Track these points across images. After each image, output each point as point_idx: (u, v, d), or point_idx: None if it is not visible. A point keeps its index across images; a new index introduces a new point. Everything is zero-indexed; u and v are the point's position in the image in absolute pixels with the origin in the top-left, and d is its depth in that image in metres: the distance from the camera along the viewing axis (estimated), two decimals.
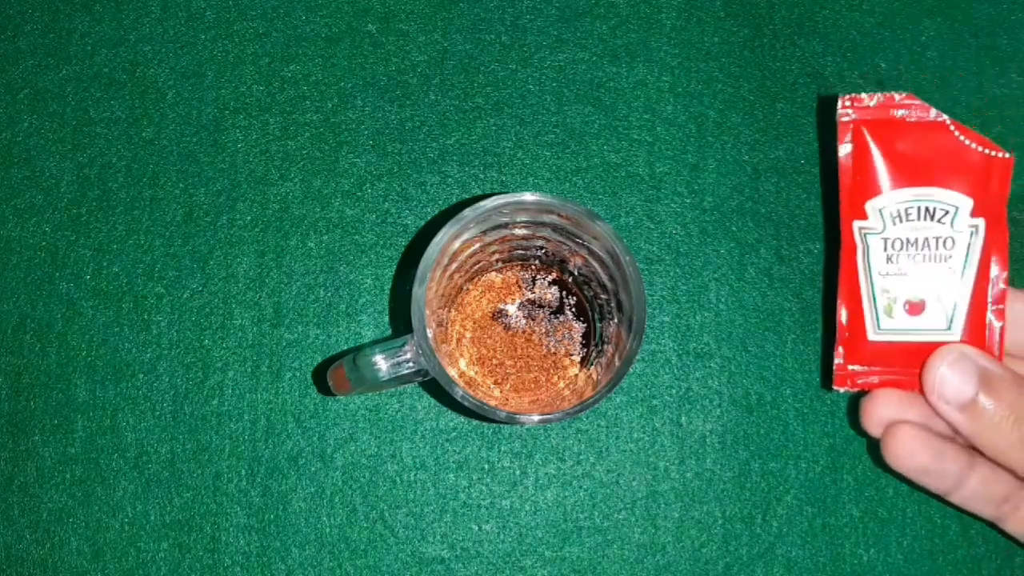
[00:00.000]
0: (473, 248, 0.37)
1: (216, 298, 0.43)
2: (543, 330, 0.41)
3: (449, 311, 0.41)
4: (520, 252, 0.40)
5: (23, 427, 0.42)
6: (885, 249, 0.34)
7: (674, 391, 0.42)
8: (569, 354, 0.41)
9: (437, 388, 0.40)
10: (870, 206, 0.34)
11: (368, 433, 0.42)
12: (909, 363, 0.35)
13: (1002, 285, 0.34)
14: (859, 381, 0.36)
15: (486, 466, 0.42)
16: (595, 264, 0.37)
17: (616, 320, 0.37)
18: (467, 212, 0.34)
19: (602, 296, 0.39)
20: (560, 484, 0.42)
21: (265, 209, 0.43)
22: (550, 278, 0.41)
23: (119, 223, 0.43)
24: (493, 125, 0.44)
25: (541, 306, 0.41)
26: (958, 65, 0.45)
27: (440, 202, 0.44)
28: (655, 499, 0.41)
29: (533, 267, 0.41)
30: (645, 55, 0.45)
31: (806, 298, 0.43)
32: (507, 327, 0.41)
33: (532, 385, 0.40)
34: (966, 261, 0.34)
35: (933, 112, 0.34)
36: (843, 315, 0.36)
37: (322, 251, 0.43)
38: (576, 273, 0.40)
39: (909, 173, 0.34)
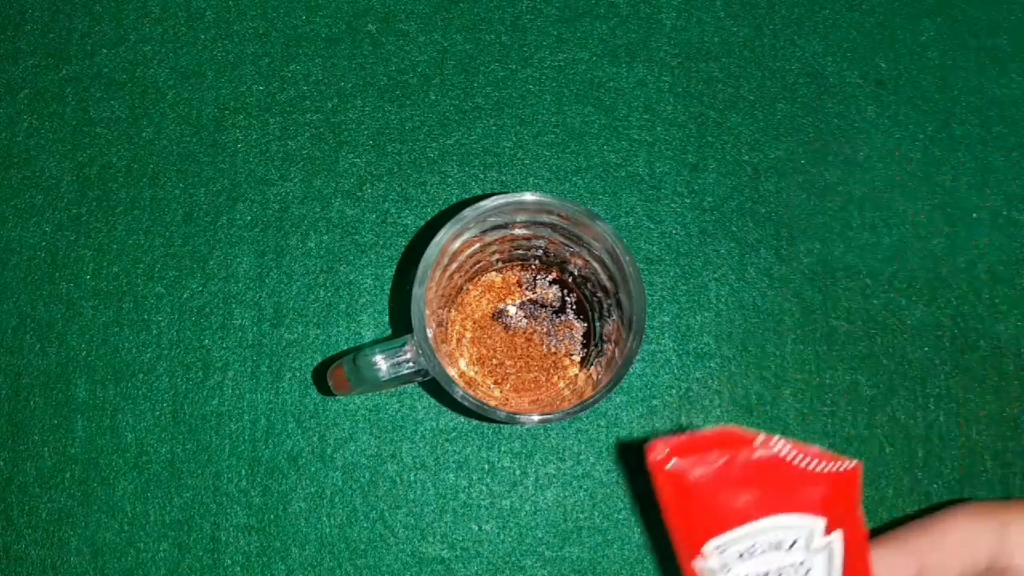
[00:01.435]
0: (473, 248, 0.37)
1: (216, 298, 0.43)
2: (544, 330, 0.41)
3: (449, 311, 0.41)
4: (520, 252, 0.40)
5: (23, 427, 0.42)
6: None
7: (674, 391, 0.42)
8: (569, 354, 0.40)
9: (437, 388, 0.40)
10: (709, 547, 0.29)
11: (368, 433, 0.42)
12: None
13: None
14: None
15: (486, 466, 0.42)
16: (595, 264, 0.37)
17: (616, 320, 0.37)
18: (467, 212, 0.34)
19: (602, 296, 0.39)
20: (560, 484, 0.42)
21: (265, 209, 0.43)
22: (550, 278, 0.41)
23: (119, 223, 0.43)
24: (493, 125, 0.44)
25: (542, 306, 0.41)
26: (958, 65, 0.45)
27: (440, 202, 0.44)
28: (655, 499, 0.41)
29: (533, 267, 0.41)
30: (645, 55, 0.45)
31: (806, 298, 0.43)
32: (507, 327, 0.41)
33: (532, 385, 0.40)
34: None
35: (762, 444, 0.29)
36: None
37: (322, 251, 0.43)
38: (576, 273, 0.40)
39: (747, 507, 0.29)
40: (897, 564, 0.31)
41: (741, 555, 0.29)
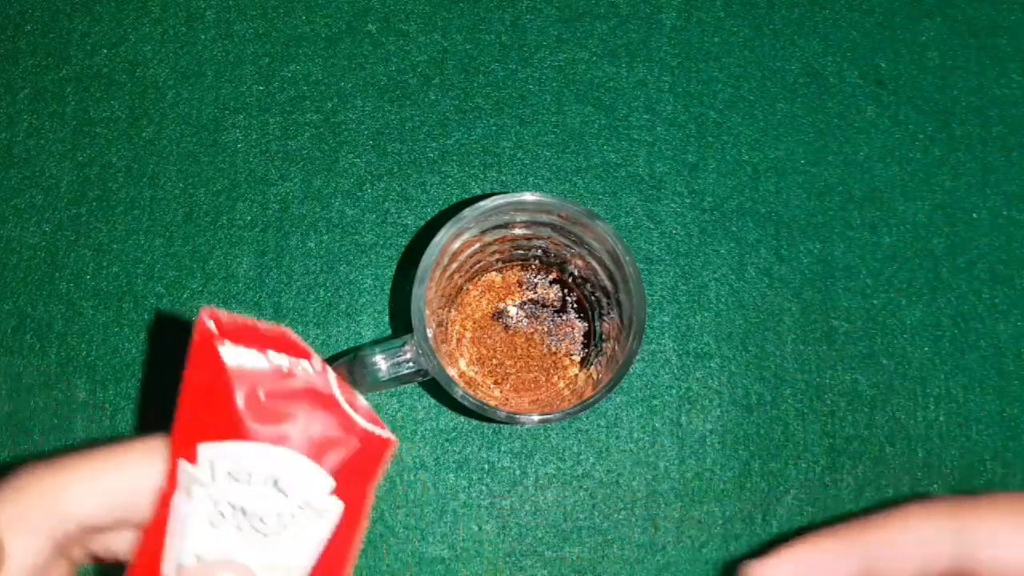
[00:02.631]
0: (473, 248, 0.37)
1: (216, 298, 0.43)
2: (544, 329, 0.41)
3: (449, 311, 0.41)
4: (520, 252, 0.40)
5: (23, 427, 0.42)
6: (211, 509, 0.24)
7: (674, 391, 0.42)
8: (569, 354, 0.41)
9: (437, 388, 0.40)
10: (204, 450, 0.24)
11: None
12: None
13: None
14: None
15: (486, 466, 0.42)
16: (595, 264, 0.37)
17: (616, 320, 0.37)
18: (467, 212, 0.34)
19: (602, 296, 0.39)
20: (560, 484, 0.42)
21: (265, 209, 0.43)
22: (550, 278, 0.41)
23: (119, 223, 0.43)
24: (493, 125, 0.44)
25: (544, 305, 0.41)
26: (958, 65, 0.45)
27: (440, 202, 0.44)
28: (655, 499, 0.41)
29: (533, 267, 0.41)
30: (645, 55, 0.45)
31: (806, 298, 0.43)
32: (507, 327, 0.41)
33: (532, 385, 0.40)
34: (301, 552, 0.25)
35: (320, 368, 0.25)
36: None
37: (322, 251, 0.43)
38: (576, 273, 0.40)
39: (266, 426, 0.24)
40: (842, 559, 0.30)
41: (232, 475, 0.24)
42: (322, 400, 0.25)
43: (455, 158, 0.44)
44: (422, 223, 0.43)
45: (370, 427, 0.25)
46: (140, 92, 0.44)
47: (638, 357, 0.38)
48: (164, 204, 0.43)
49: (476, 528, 0.41)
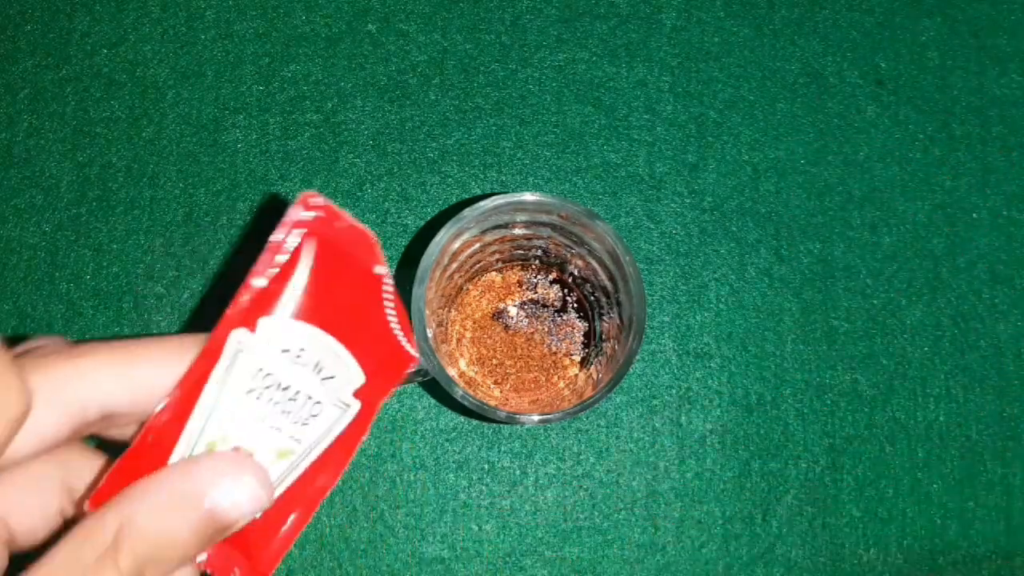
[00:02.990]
0: (473, 248, 0.37)
1: (216, 298, 0.43)
2: (544, 329, 0.41)
3: (449, 311, 0.41)
4: (520, 252, 0.40)
5: None
6: (253, 378, 0.25)
7: (674, 391, 0.42)
8: (569, 354, 0.40)
9: (437, 388, 0.40)
10: (265, 323, 0.25)
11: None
12: None
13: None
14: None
15: (486, 466, 0.42)
16: (595, 264, 0.37)
17: (616, 320, 0.37)
18: (467, 212, 0.34)
19: (602, 296, 0.39)
20: (560, 484, 0.42)
21: (265, 209, 0.43)
22: (550, 278, 0.41)
23: (119, 223, 0.43)
24: (493, 125, 0.44)
25: (544, 305, 0.41)
26: (958, 65, 0.45)
27: (440, 202, 0.44)
28: (655, 499, 0.41)
29: (533, 267, 0.41)
30: (645, 55, 0.45)
31: (806, 298, 0.43)
32: (507, 327, 0.41)
33: (532, 385, 0.40)
34: (315, 443, 0.25)
35: (388, 277, 0.26)
36: (158, 421, 0.24)
37: None
38: (576, 273, 0.40)
39: (323, 311, 0.25)
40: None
41: (286, 351, 0.25)
42: (376, 306, 0.26)
43: (455, 158, 0.44)
44: (422, 223, 0.43)
45: (404, 342, 0.26)
46: (140, 92, 0.44)
47: (638, 357, 0.38)
48: (164, 204, 0.43)
49: (476, 528, 0.41)
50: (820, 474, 0.42)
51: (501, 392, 0.40)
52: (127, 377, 0.24)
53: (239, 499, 0.23)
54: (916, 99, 0.45)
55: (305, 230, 0.26)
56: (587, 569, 0.41)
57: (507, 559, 0.41)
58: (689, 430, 0.42)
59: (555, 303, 0.41)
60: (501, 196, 0.34)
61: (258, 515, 0.24)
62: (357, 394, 0.26)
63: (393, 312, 0.26)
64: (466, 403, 0.33)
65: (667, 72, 0.44)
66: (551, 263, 0.41)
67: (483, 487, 0.42)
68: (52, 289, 0.43)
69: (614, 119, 0.44)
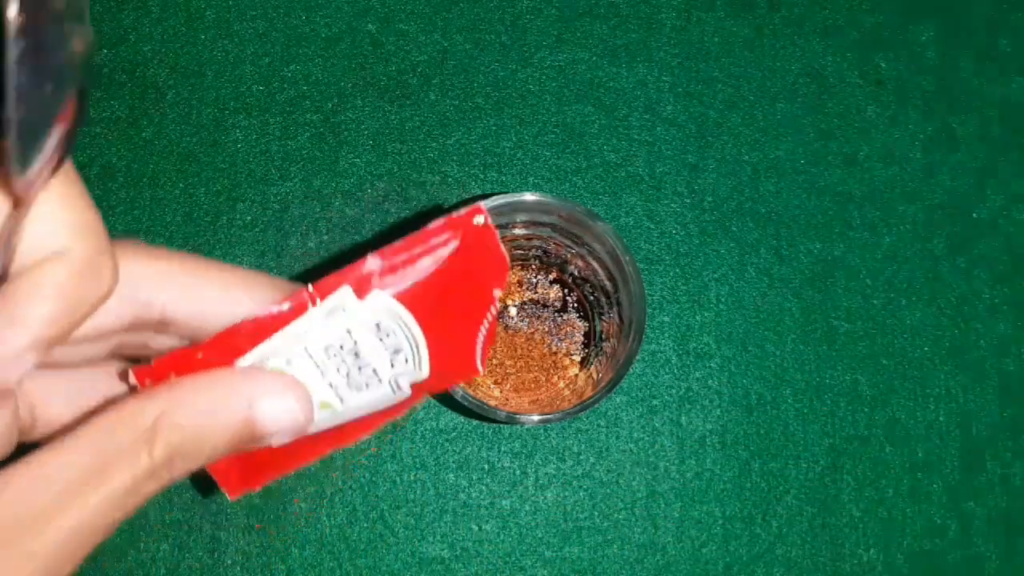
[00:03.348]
0: None
1: None
2: (544, 329, 0.41)
3: None
4: (520, 252, 0.40)
5: None
6: (338, 338, 0.25)
7: (674, 391, 0.42)
8: (569, 354, 0.41)
9: None
10: (376, 295, 0.25)
11: None
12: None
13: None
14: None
15: (486, 466, 0.42)
16: (595, 264, 0.37)
17: (616, 320, 0.37)
18: None
19: (602, 296, 0.39)
20: (560, 484, 0.42)
21: (265, 209, 0.43)
22: (550, 278, 0.41)
23: (119, 223, 0.43)
24: (493, 125, 0.44)
25: (544, 305, 0.41)
26: (958, 65, 0.45)
27: (440, 202, 0.44)
28: (655, 499, 0.41)
29: (533, 267, 0.41)
30: (645, 55, 0.45)
31: (806, 298, 0.43)
32: (507, 327, 0.41)
33: (532, 385, 0.40)
34: (357, 410, 0.26)
35: (498, 289, 0.27)
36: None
37: (322, 251, 0.43)
38: (576, 273, 0.40)
39: (428, 307, 0.26)
40: None
41: (378, 325, 0.25)
42: (475, 321, 0.27)
43: (455, 158, 0.44)
44: (422, 223, 0.43)
45: (478, 357, 0.28)
46: (140, 92, 0.44)
47: (638, 357, 0.38)
48: (164, 204, 0.43)
49: (476, 528, 0.41)
50: (820, 474, 0.42)
51: (501, 392, 0.40)
52: (195, 291, 0.24)
53: (280, 416, 0.23)
54: (916, 99, 0.45)
55: (459, 232, 0.26)
56: (587, 569, 0.41)
57: (507, 559, 0.41)
58: (689, 430, 0.42)
59: (555, 303, 0.41)
60: (501, 196, 0.34)
61: (288, 439, 0.24)
62: (414, 385, 0.26)
63: (486, 331, 0.27)
64: (466, 403, 0.33)
65: (667, 72, 0.44)
66: (551, 263, 0.41)
67: (483, 487, 0.42)
68: None
69: (614, 119, 0.44)
